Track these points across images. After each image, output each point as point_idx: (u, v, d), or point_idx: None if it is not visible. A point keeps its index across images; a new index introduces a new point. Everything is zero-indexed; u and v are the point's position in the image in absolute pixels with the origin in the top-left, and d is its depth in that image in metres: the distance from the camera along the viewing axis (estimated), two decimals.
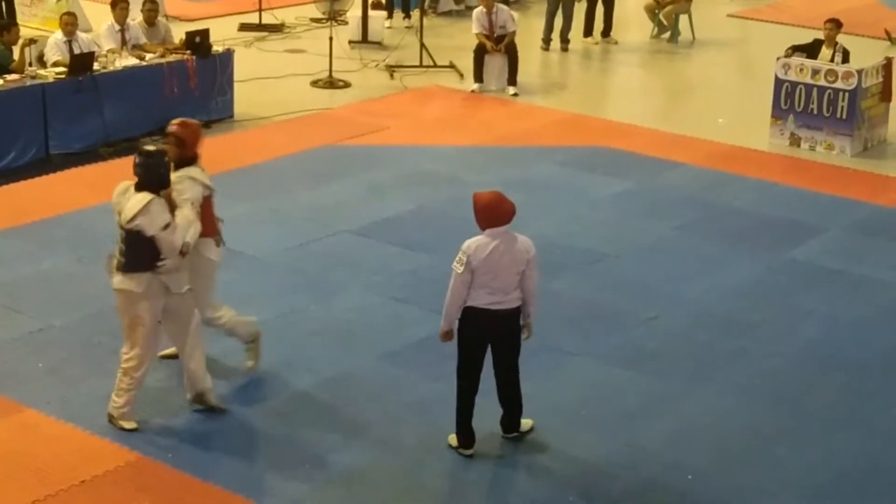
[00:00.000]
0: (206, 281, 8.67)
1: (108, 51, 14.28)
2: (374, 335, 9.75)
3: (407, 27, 19.73)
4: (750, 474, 8.09)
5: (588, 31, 19.67)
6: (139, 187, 8.11)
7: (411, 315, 10.06)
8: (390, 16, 20.18)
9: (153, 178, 8.12)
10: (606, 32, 19.72)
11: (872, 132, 14.88)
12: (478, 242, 7.83)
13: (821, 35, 15.14)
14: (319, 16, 19.34)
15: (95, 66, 13.79)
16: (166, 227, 8.04)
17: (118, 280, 8.22)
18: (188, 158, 8.58)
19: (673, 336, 9.92)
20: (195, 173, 8.53)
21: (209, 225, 8.60)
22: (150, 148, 8.24)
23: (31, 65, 13.91)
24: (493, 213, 7.88)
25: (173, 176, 8.30)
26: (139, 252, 8.10)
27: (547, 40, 19.12)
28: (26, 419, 8.40)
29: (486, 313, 7.87)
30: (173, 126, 8.65)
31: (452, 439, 8.22)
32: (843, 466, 8.24)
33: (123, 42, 14.51)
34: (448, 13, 21.22)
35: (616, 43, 19.65)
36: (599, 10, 19.62)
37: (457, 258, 7.83)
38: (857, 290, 10.88)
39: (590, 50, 19.52)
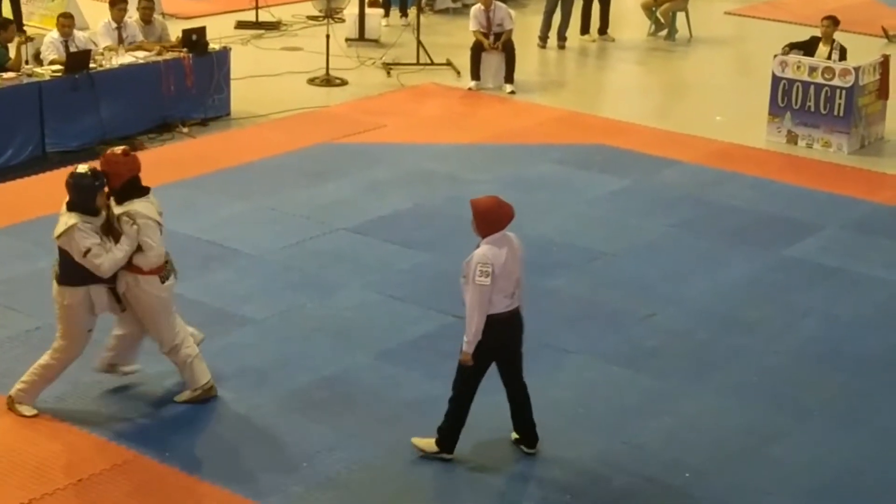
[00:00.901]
0: (154, 317, 8.40)
1: (104, 48, 14.26)
2: (371, 333, 9.74)
3: (404, 25, 19.72)
4: (748, 473, 8.09)
5: (585, 29, 19.67)
6: (69, 206, 8.15)
7: (409, 313, 10.05)
8: (387, 14, 20.17)
9: (79, 201, 8.11)
10: (603, 30, 19.72)
11: (869, 129, 14.88)
12: (492, 251, 7.70)
13: (818, 32, 15.14)
14: (316, 13, 19.37)
15: (92, 64, 13.77)
16: (87, 252, 8.00)
17: (54, 289, 8.28)
18: (128, 190, 8.22)
19: (671, 334, 9.92)
20: (140, 206, 8.19)
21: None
22: (81, 170, 8.17)
23: (27, 63, 13.90)
24: (494, 218, 7.80)
25: (117, 210, 8.18)
26: (69, 267, 8.14)
27: (544, 38, 19.12)
28: (23, 418, 8.38)
29: (502, 318, 7.79)
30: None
31: (429, 445, 8.07)
32: (841, 464, 8.23)
33: (120, 40, 14.50)
34: (445, 11, 21.22)
35: (613, 40, 19.65)
36: (596, 7, 19.62)
37: (478, 271, 7.61)
38: (854, 287, 10.88)
39: (587, 48, 19.52)
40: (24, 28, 14.82)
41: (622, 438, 8.42)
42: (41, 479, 7.72)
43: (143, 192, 8.30)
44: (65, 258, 8.13)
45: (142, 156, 13.35)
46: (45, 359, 8.41)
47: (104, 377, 8.85)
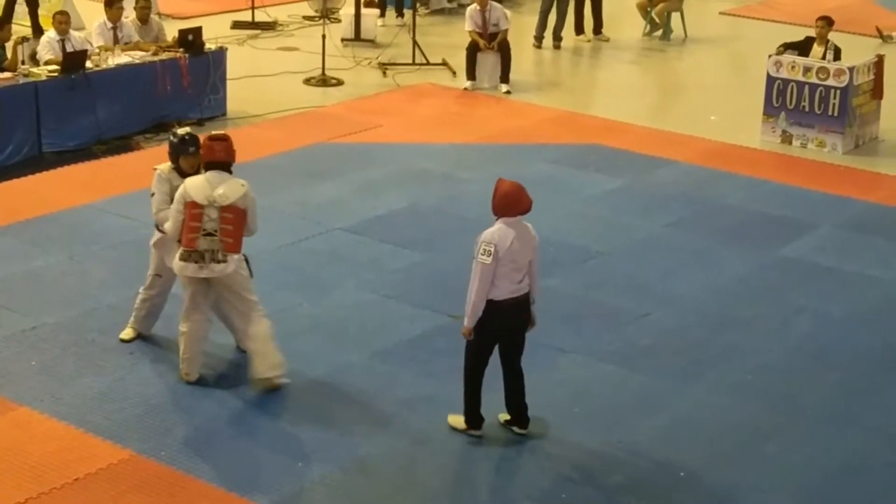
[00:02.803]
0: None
1: (98, 47, 14.26)
2: (366, 333, 9.76)
3: (399, 25, 19.75)
4: (742, 471, 8.11)
5: (579, 30, 19.71)
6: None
7: (404, 312, 10.07)
8: (383, 14, 20.19)
9: (169, 155, 9.09)
10: (597, 30, 19.75)
11: (864, 129, 14.92)
12: (500, 232, 7.90)
13: (812, 33, 15.17)
14: (312, 14, 19.38)
15: (88, 64, 13.79)
16: (152, 194, 9.13)
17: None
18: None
19: (665, 333, 9.94)
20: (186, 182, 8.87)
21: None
22: (178, 130, 9.19)
23: (23, 63, 13.91)
24: (513, 202, 7.96)
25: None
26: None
27: (539, 38, 19.14)
28: (19, 417, 8.40)
29: (508, 303, 7.94)
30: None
31: (458, 422, 8.30)
32: (835, 463, 8.26)
33: (116, 40, 14.51)
34: (441, 11, 21.23)
35: (608, 40, 19.68)
36: (588, 7, 19.65)
37: (480, 249, 7.84)
38: (848, 286, 10.91)
39: (582, 48, 19.55)
40: (10, 23, 14.78)
41: (617, 437, 8.44)
42: (38, 478, 7.73)
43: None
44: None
45: (137, 156, 13.59)
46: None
47: (97, 376, 8.87)
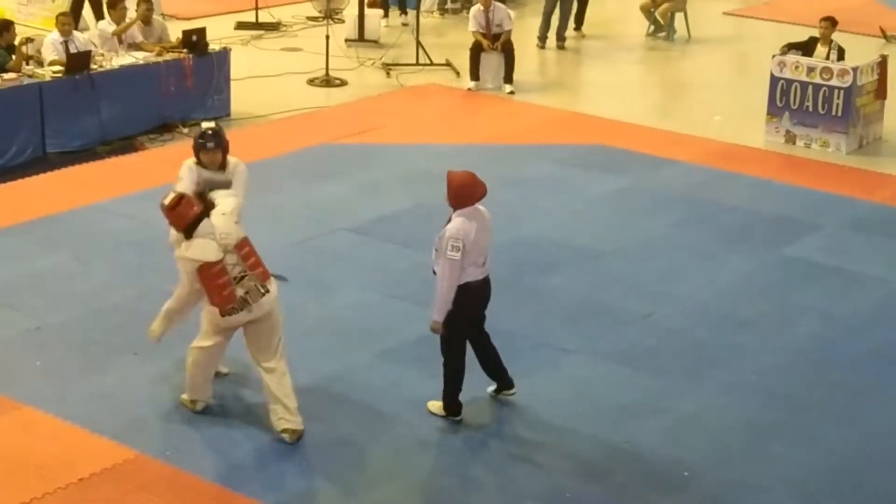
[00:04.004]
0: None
1: (111, 33, 14.32)
2: (370, 333, 9.77)
3: (403, 24, 19.76)
4: (746, 470, 8.12)
5: (578, 25, 19.76)
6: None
7: (408, 312, 10.08)
8: (386, 14, 20.19)
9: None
10: (578, 26, 19.82)
11: (867, 129, 14.91)
12: (464, 226, 8.09)
13: (816, 33, 15.16)
14: (316, 14, 19.37)
15: (92, 65, 13.80)
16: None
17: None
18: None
19: (669, 333, 9.95)
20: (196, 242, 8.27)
21: None
22: (203, 125, 9.15)
23: (28, 64, 13.93)
24: (469, 192, 8.17)
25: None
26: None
27: (543, 38, 19.15)
28: (24, 417, 8.42)
29: (476, 285, 8.21)
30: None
31: (437, 407, 8.50)
32: (838, 462, 8.27)
33: (120, 41, 14.53)
34: (444, 11, 21.24)
35: (584, 37, 19.72)
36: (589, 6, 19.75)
37: (450, 246, 8.03)
38: (851, 286, 10.91)
39: (586, 48, 19.54)
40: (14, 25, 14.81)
41: (621, 437, 8.45)
42: (42, 478, 7.74)
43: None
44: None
45: (141, 156, 13.60)
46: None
47: (102, 376, 8.89)
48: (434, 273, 8.26)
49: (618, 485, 7.95)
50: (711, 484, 7.97)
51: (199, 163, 8.97)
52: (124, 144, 13.94)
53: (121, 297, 10.10)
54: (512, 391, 8.71)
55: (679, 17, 20.08)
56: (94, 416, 8.42)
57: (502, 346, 8.71)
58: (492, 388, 8.74)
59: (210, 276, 7.95)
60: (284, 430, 8.17)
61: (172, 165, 12.94)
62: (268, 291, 8.15)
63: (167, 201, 8.07)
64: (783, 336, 9.97)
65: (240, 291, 8.03)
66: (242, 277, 8.03)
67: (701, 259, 11.37)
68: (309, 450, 8.16)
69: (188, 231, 8.01)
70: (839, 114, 14.51)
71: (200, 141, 8.95)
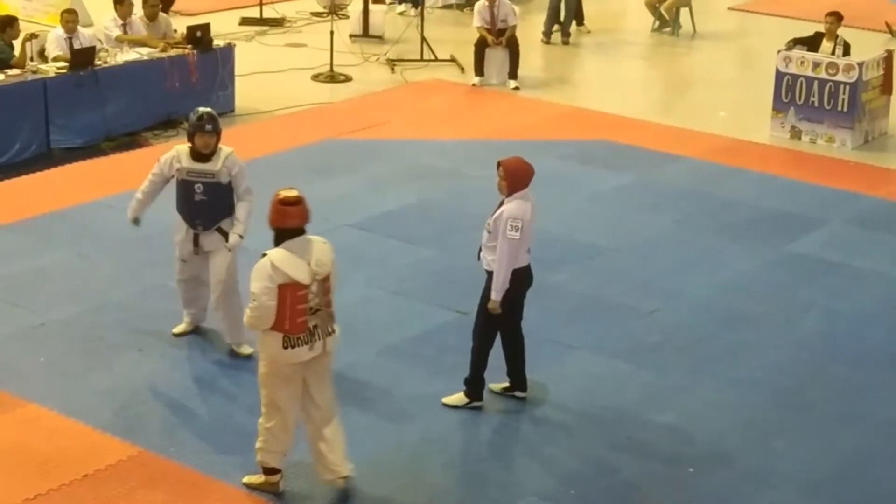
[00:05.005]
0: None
1: (115, 34, 14.34)
2: (374, 329, 9.76)
3: (415, 16, 19.75)
4: (750, 467, 8.10)
5: (579, 21, 19.73)
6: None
7: (412, 309, 10.07)
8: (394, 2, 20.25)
9: None
10: (579, 21, 19.80)
11: (873, 125, 14.89)
12: (522, 206, 8.25)
13: (822, 28, 15.14)
14: (320, 10, 19.38)
15: (96, 61, 13.80)
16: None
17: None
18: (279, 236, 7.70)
19: (673, 329, 9.93)
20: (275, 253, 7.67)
21: None
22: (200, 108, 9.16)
23: (32, 60, 13.93)
24: (524, 174, 8.35)
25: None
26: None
27: (548, 34, 19.13)
28: (27, 414, 8.42)
29: (524, 270, 8.40)
30: None
31: (458, 399, 8.54)
32: (842, 459, 8.25)
33: (124, 31, 14.56)
34: (449, 6, 21.23)
35: (588, 32, 19.69)
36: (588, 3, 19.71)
37: (510, 226, 8.13)
38: (856, 282, 10.89)
39: (591, 43, 19.52)
40: (17, 20, 14.81)
41: (625, 433, 8.44)
42: (47, 474, 7.74)
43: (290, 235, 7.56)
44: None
45: (146, 152, 13.59)
46: None
47: (105, 372, 8.88)
48: (479, 258, 8.42)
49: (622, 481, 7.94)
50: (715, 481, 7.96)
51: (193, 147, 8.99)
52: (128, 140, 13.95)
53: (124, 294, 10.10)
54: (524, 393, 8.68)
55: (684, 12, 20.05)
56: (97, 412, 8.42)
57: None
58: (502, 386, 8.70)
59: (293, 299, 7.38)
60: (343, 478, 7.64)
61: None
62: (334, 331, 7.65)
63: (288, 194, 7.59)
64: (788, 332, 9.96)
65: (311, 322, 7.50)
66: (317, 311, 7.52)
67: (705, 255, 11.35)
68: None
69: (284, 235, 7.51)
70: (845, 109, 14.49)
71: (198, 123, 8.96)
